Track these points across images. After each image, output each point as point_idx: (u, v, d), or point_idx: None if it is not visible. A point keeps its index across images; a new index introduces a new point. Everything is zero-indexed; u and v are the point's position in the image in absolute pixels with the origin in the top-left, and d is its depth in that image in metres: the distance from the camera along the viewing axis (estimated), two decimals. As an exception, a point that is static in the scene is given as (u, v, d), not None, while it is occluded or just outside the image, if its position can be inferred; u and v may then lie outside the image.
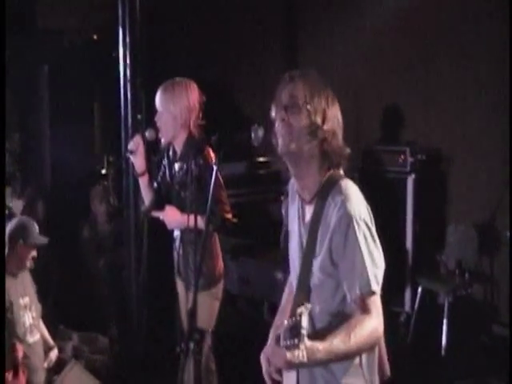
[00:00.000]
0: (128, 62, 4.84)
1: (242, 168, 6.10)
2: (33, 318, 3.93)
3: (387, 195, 5.44)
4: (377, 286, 2.13)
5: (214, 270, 3.78)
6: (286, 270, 4.90)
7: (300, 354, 1.86)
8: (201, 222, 3.20)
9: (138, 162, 3.80)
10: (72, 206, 6.16)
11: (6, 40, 4.19)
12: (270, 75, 6.82)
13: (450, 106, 5.61)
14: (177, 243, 3.88)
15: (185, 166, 3.70)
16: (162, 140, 3.73)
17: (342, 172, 2.28)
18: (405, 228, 5.46)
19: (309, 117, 2.19)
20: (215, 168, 2.62)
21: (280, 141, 2.23)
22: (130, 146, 3.79)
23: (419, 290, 5.22)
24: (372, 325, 2.09)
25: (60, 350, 4.33)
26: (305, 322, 1.87)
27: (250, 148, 6.41)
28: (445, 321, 4.92)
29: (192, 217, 3.13)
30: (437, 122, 5.69)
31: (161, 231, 3.85)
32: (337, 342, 1.99)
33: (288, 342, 1.89)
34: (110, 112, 5.99)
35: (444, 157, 5.66)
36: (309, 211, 2.29)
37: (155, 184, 3.93)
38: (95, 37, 7.04)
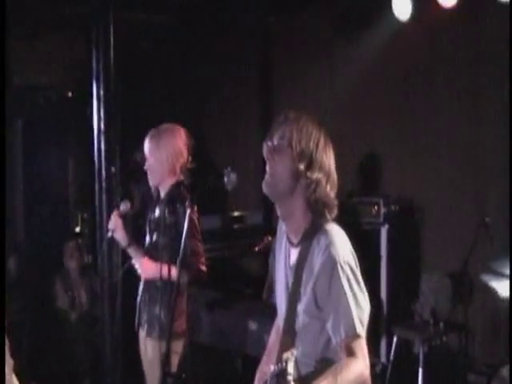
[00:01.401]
0: (102, 115, 4.88)
1: (217, 222, 6.10)
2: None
3: (361, 246, 5.43)
4: (362, 329, 2.13)
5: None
6: (261, 322, 4.90)
7: None
8: (175, 273, 3.16)
9: (120, 236, 3.77)
10: (45, 263, 6.09)
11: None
12: (243, 121, 6.92)
13: (423, 157, 5.68)
14: (139, 292, 3.85)
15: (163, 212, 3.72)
16: (150, 183, 3.76)
17: (328, 216, 2.27)
18: (379, 278, 5.45)
19: (293, 161, 2.19)
20: (188, 211, 2.61)
21: (265, 179, 2.25)
22: (110, 225, 3.77)
23: (394, 339, 5.20)
24: (358, 368, 2.10)
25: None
26: (291, 368, 1.88)
27: (225, 202, 6.44)
28: (420, 370, 4.88)
29: (164, 267, 3.09)
30: (410, 173, 5.77)
31: (135, 285, 3.82)
32: None
33: None
34: (84, 168, 5.99)
35: (417, 207, 5.70)
36: (294, 254, 2.29)
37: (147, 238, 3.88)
38: (70, 94, 7.09)
